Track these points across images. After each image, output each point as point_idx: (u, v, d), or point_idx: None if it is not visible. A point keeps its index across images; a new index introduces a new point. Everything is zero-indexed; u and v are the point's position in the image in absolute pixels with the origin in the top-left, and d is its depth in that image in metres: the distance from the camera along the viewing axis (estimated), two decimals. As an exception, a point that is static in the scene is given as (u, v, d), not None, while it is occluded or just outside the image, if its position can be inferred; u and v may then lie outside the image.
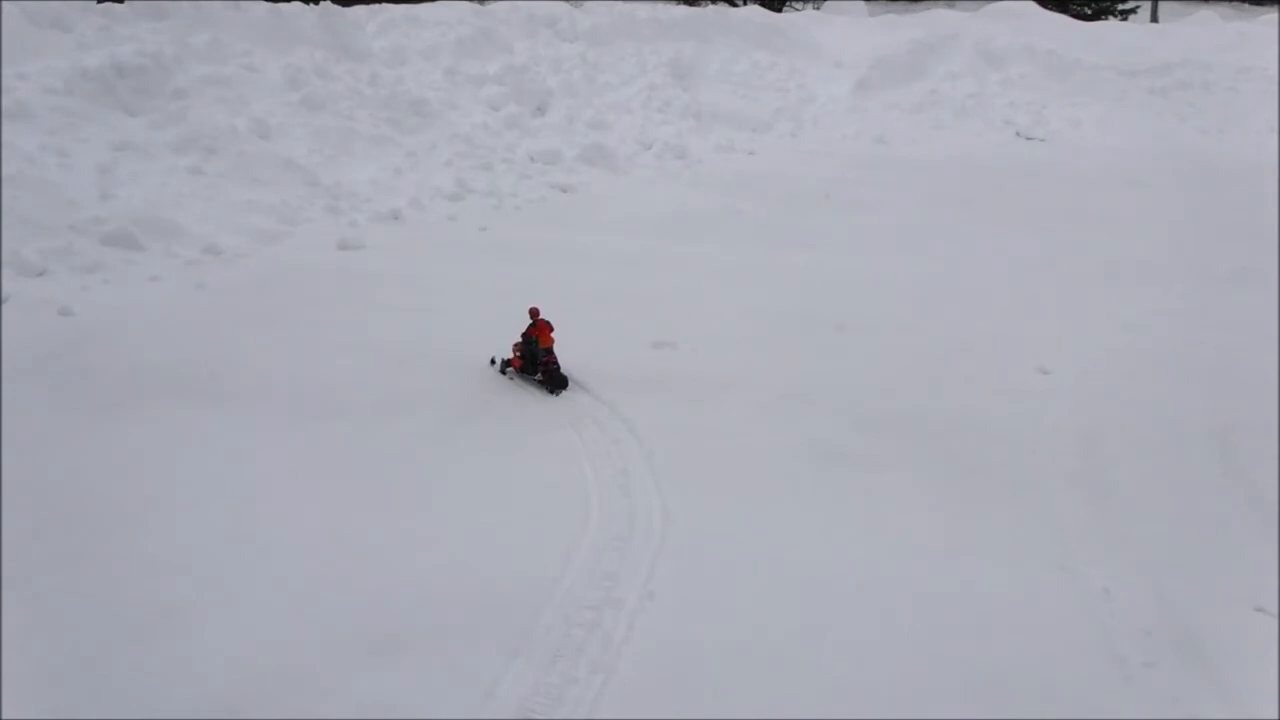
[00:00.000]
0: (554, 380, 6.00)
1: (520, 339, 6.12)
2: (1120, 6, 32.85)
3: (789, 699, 3.63)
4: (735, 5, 28.59)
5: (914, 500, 4.98)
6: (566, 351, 6.08)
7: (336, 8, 13.93)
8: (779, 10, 27.84)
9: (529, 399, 5.93)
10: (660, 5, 20.06)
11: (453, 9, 16.10)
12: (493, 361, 6.31)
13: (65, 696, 3.51)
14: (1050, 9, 24.49)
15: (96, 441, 5.18)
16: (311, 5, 13.80)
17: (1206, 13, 27.84)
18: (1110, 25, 25.72)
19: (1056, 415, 5.96)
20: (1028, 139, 15.49)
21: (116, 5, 11.86)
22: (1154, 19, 31.43)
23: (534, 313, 6.08)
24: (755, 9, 21.90)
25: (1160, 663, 3.88)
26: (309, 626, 3.88)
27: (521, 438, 5.45)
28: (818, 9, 27.46)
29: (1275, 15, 21.01)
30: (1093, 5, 32.47)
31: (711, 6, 25.29)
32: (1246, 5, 36.13)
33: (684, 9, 20.14)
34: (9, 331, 6.31)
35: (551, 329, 6.01)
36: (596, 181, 11.58)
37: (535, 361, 6.04)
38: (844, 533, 4.65)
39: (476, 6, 17.02)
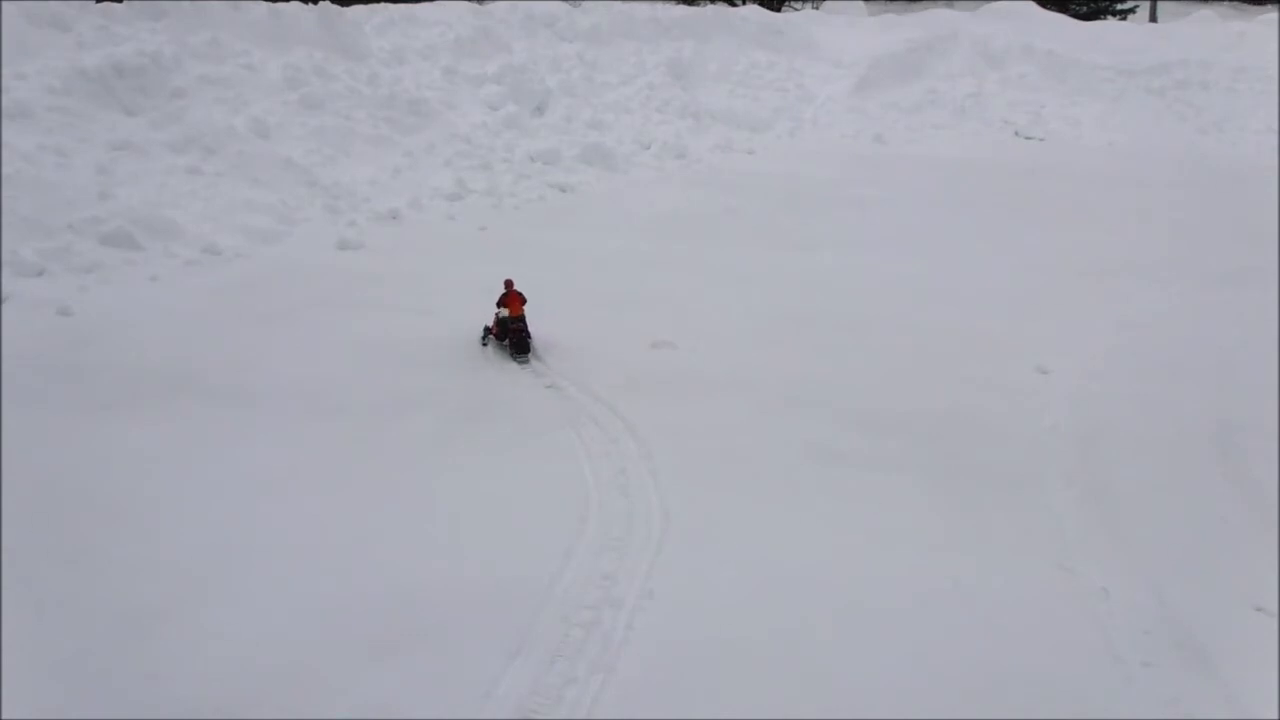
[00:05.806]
0: (516, 346, 6.31)
1: (496, 307, 6.47)
2: (1119, 6, 32.83)
3: (789, 699, 3.63)
4: (734, 5, 28.57)
5: (914, 500, 4.97)
6: (566, 350, 6.09)
7: (335, 8, 13.90)
8: (778, 10, 27.81)
9: (529, 398, 5.93)
10: (659, 5, 20.02)
11: (451, 9, 16.08)
12: (485, 331, 6.57)
13: (65, 695, 3.51)
14: (1050, 9, 24.47)
15: (96, 441, 5.17)
16: (310, 5, 13.78)
17: (1206, 13, 27.81)
18: (1109, 25, 25.73)
19: (1056, 415, 5.95)
20: (1026, 138, 15.49)
21: (115, 5, 11.83)
22: (1153, 19, 31.43)
23: (508, 284, 6.49)
24: (754, 8, 21.85)
25: (1160, 663, 3.88)
26: (309, 626, 3.88)
27: (521, 438, 5.45)
28: (817, 9, 27.46)
29: (1274, 15, 20.99)
30: (1089, 4, 32.44)
31: (710, 6, 25.25)
32: (1246, 5, 36.12)
33: (683, 8, 20.11)
34: (8, 331, 6.30)
35: (523, 300, 6.39)
36: (595, 181, 11.58)
37: (505, 328, 6.38)
38: (843, 533, 4.64)
39: (475, 6, 16.99)
